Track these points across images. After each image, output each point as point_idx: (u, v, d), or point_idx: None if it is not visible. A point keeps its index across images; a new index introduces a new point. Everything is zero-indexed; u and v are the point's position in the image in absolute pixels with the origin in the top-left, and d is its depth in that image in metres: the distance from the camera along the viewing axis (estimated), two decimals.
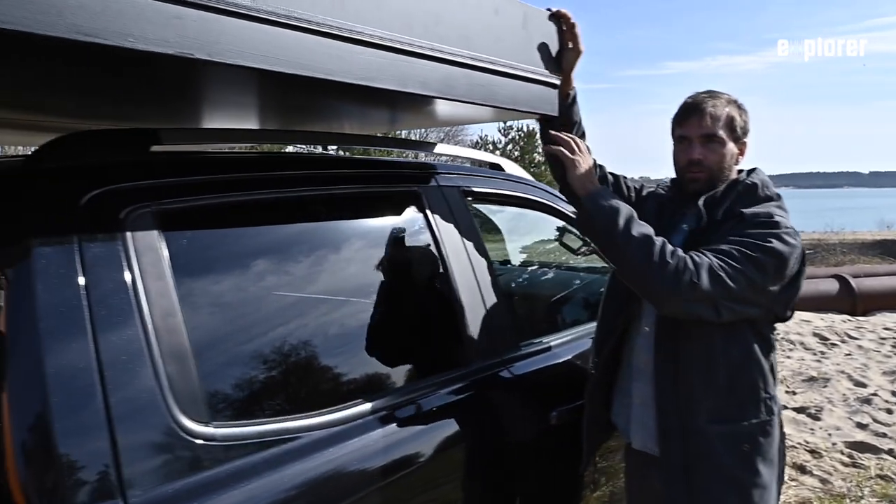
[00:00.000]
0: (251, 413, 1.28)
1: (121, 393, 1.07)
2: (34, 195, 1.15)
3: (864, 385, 5.13)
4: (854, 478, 3.62)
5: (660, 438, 1.65)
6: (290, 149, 3.58)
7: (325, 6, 1.18)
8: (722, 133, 1.64)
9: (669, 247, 1.51)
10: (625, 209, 1.56)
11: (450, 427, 1.57)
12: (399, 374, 1.59)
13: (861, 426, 4.31)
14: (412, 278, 1.77)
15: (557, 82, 1.81)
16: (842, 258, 16.38)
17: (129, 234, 1.17)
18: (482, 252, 1.85)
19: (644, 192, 1.93)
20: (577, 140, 1.71)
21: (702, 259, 1.49)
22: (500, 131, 23.21)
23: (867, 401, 4.75)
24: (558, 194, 2.30)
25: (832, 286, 8.34)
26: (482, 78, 1.53)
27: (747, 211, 1.58)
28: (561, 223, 2.50)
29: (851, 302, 8.16)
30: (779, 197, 1.66)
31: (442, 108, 1.83)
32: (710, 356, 1.58)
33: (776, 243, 1.51)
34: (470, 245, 1.81)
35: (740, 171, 1.72)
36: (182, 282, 1.22)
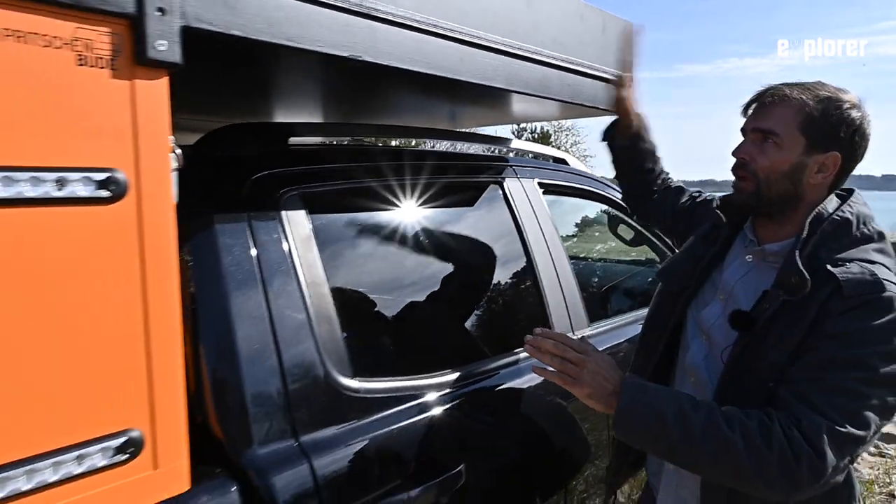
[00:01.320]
0: (387, 370, 1.45)
1: (288, 347, 1.24)
2: (208, 179, 1.33)
3: None
4: (881, 466, 3.76)
5: None
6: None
7: (453, 14, 1.35)
8: (782, 130, 1.19)
9: (753, 426, 1.07)
10: (671, 404, 1.12)
11: (543, 389, 1.75)
12: (499, 343, 1.76)
13: None
14: (508, 262, 1.94)
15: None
16: None
17: (283, 212, 1.34)
18: (557, 239, 2.02)
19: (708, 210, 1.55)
20: (557, 340, 1.26)
21: (812, 422, 1.06)
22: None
23: None
24: (615, 186, 2.47)
25: None
26: (571, 78, 1.70)
27: (843, 277, 1.11)
28: (615, 212, 2.67)
29: None
30: (881, 237, 1.20)
31: (517, 106, 1.99)
32: None
33: None
34: (548, 232, 1.99)
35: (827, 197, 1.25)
36: (325, 254, 1.40)
